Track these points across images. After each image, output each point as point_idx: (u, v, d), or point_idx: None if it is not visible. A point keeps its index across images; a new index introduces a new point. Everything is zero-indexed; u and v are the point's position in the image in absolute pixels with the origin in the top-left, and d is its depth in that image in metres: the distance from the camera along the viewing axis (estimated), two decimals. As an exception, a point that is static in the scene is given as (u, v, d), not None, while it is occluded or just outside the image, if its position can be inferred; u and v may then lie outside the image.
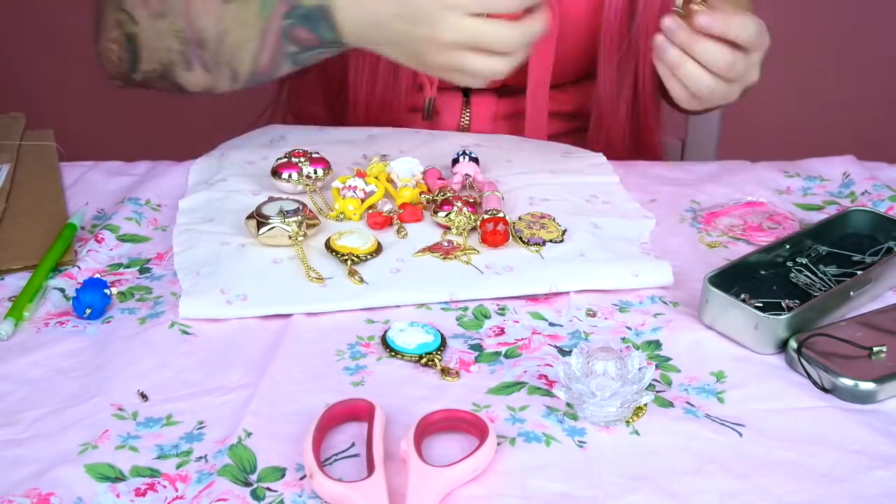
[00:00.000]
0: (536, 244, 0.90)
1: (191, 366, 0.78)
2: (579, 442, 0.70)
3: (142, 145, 1.41)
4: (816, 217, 0.99)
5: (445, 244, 0.91)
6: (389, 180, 0.98)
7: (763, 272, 0.87)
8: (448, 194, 0.95)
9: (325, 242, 0.89)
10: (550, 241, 0.91)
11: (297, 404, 0.74)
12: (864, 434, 0.71)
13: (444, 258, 0.89)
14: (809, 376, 0.76)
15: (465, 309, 0.84)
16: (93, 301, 0.83)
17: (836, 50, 2.15)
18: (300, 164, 0.97)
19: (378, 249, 0.89)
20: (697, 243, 0.94)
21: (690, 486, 0.66)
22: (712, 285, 0.81)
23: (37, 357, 0.79)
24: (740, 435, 0.71)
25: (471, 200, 0.94)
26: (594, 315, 0.84)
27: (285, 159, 0.98)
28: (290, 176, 0.96)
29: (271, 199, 0.91)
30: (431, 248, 0.90)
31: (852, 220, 0.93)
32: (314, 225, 0.90)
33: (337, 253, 0.88)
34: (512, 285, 0.86)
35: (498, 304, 0.85)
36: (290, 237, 0.88)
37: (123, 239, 0.95)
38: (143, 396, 0.75)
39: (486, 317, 0.83)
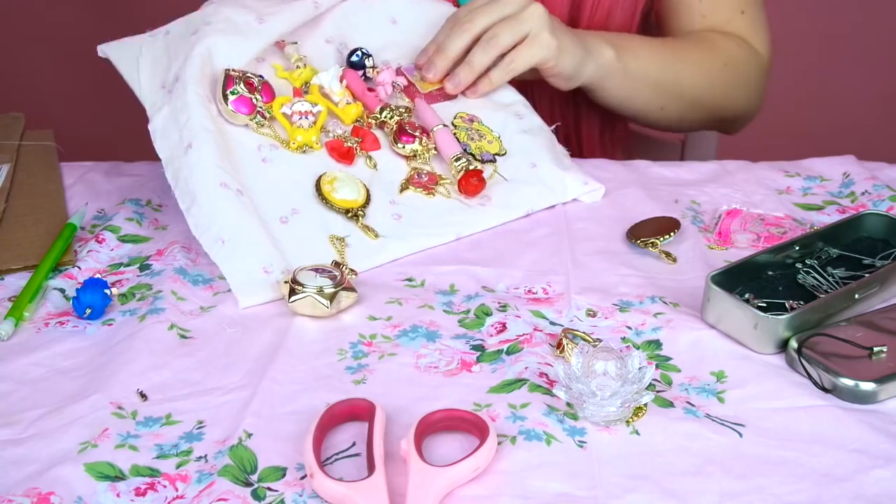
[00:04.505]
0: (489, 161, 0.97)
1: (190, 365, 0.78)
2: (579, 442, 0.70)
3: (142, 145, 1.41)
4: (816, 217, 0.99)
5: (423, 178, 0.96)
6: (324, 94, 0.99)
7: (771, 273, 0.87)
8: (395, 116, 0.98)
9: (316, 188, 0.92)
10: (497, 154, 0.98)
11: (298, 404, 0.74)
12: (864, 434, 0.71)
13: (428, 194, 0.95)
14: (810, 376, 0.76)
15: (467, 312, 0.84)
16: (93, 301, 0.83)
17: (836, 50, 2.16)
18: (253, 101, 0.95)
19: (369, 195, 0.94)
20: (698, 243, 0.94)
21: (690, 486, 0.66)
22: (715, 284, 0.81)
23: (37, 357, 0.79)
24: (740, 435, 0.71)
25: (409, 107, 1.00)
26: (594, 315, 0.84)
27: (239, 92, 0.94)
28: (246, 116, 0.95)
29: (304, 269, 0.85)
30: (412, 183, 0.95)
31: (866, 224, 0.92)
32: (351, 297, 0.85)
33: (338, 208, 0.92)
34: (502, 213, 0.95)
35: (499, 302, 0.85)
36: (326, 307, 0.83)
37: (124, 240, 0.95)
38: (143, 396, 0.75)
39: (488, 314, 0.84)
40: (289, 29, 1.01)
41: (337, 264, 0.87)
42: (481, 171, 0.95)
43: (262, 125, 0.96)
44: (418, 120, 0.99)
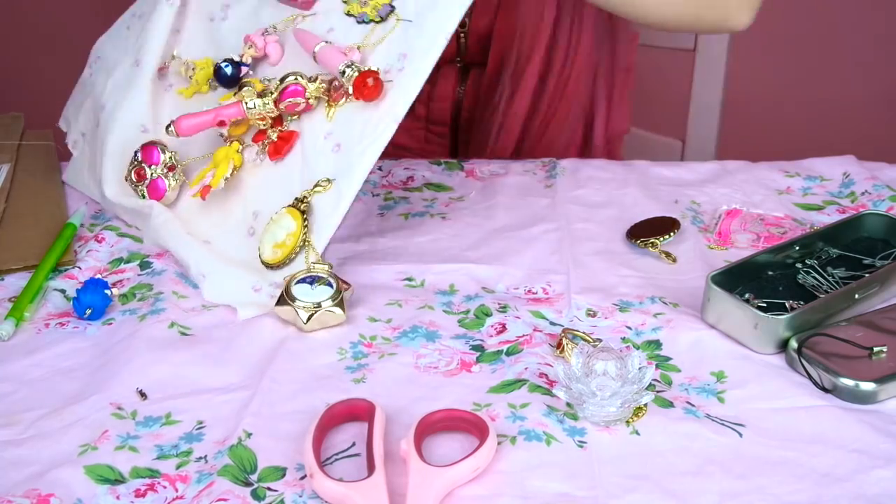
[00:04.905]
0: (389, 13, 0.89)
1: (191, 364, 0.78)
2: (579, 442, 0.70)
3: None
4: (816, 217, 0.99)
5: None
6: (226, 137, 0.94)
7: (771, 273, 0.87)
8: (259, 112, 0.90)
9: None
10: (391, 3, 0.89)
11: (298, 404, 0.73)
12: (864, 434, 0.71)
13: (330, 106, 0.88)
14: (810, 376, 0.76)
15: (467, 312, 0.84)
16: (93, 301, 0.83)
17: (835, 50, 2.15)
18: (150, 173, 0.93)
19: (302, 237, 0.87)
20: (698, 243, 0.94)
21: (690, 486, 0.66)
22: (715, 284, 0.81)
23: (37, 358, 0.79)
24: (740, 435, 0.71)
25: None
26: (594, 315, 0.84)
27: (142, 190, 0.94)
28: (170, 183, 0.94)
29: (310, 275, 0.84)
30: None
31: (866, 224, 0.92)
32: (338, 318, 0.83)
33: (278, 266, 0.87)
34: (423, 60, 0.86)
35: (499, 303, 0.85)
36: (303, 323, 0.82)
37: (124, 235, 0.95)
38: (142, 395, 0.75)
39: (488, 315, 0.83)
40: (160, 45, 0.99)
41: (336, 277, 0.84)
42: (374, 72, 0.86)
43: (180, 181, 0.94)
44: (304, 49, 0.91)
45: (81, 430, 0.71)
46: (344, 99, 0.88)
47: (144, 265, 0.91)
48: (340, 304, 0.82)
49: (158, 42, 0.99)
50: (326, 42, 0.90)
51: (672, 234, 0.94)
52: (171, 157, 0.94)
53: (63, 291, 0.88)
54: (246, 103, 0.89)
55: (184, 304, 0.85)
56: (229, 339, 0.81)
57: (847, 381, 0.73)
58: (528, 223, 0.99)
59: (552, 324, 0.82)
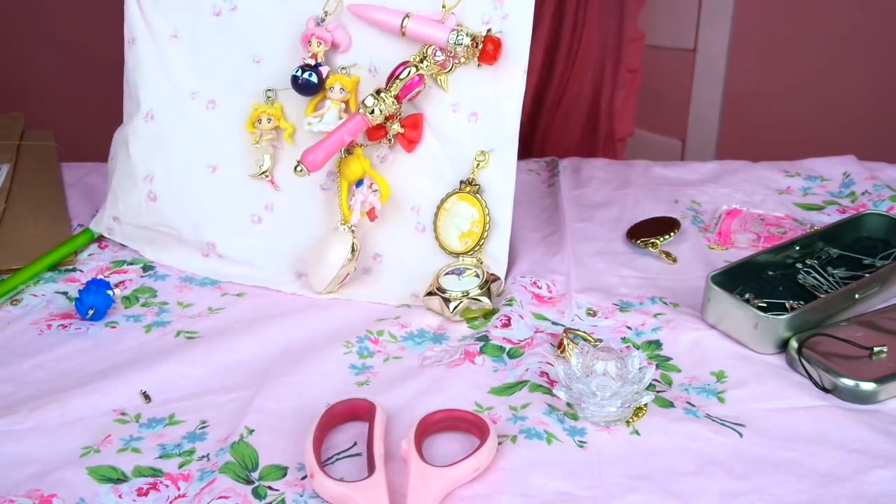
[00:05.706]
0: None
1: (195, 365, 0.78)
2: (580, 442, 0.70)
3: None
4: (817, 217, 0.99)
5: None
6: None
7: (771, 273, 0.87)
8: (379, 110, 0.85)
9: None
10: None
11: (300, 402, 0.73)
12: (864, 434, 0.71)
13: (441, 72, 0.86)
14: (810, 376, 0.76)
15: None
16: (95, 302, 0.83)
17: (836, 50, 2.15)
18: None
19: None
20: (698, 243, 0.94)
21: (691, 486, 0.66)
22: (715, 284, 0.81)
23: (40, 359, 0.79)
24: (741, 435, 0.71)
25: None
26: (595, 314, 0.84)
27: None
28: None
29: (452, 271, 0.86)
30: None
31: (866, 224, 0.92)
32: (484, 307, 0.84)
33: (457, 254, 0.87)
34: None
35: (506, 297, 0.85)
36: (449, 312, 0.83)
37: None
38: (146, 397, 0.74)
39: (494, 311, 0.84)
40: (152, 84, 0.93)
41: (484, 270, 0.85)
42: (494, 39, 0.83)
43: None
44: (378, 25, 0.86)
45: (83, 431, 0.71)
46: (451, 65, 0.85)
47: (147, 268, 0.91)
48: (487, 294, 0.83)
49: (150, 82, 0.93)
50: (407, 15, 0.84)
51: (672, 234, 0.94)
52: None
53: (65, 293, 0.87)
54: (372, 112, 0.84)
55: (189, 312, 0.85)
56: (235, 338, 0.81)
57: (847, 381, 0.73)
58: (528, 221, 0.99)
59: (554, 324, 0.82)
